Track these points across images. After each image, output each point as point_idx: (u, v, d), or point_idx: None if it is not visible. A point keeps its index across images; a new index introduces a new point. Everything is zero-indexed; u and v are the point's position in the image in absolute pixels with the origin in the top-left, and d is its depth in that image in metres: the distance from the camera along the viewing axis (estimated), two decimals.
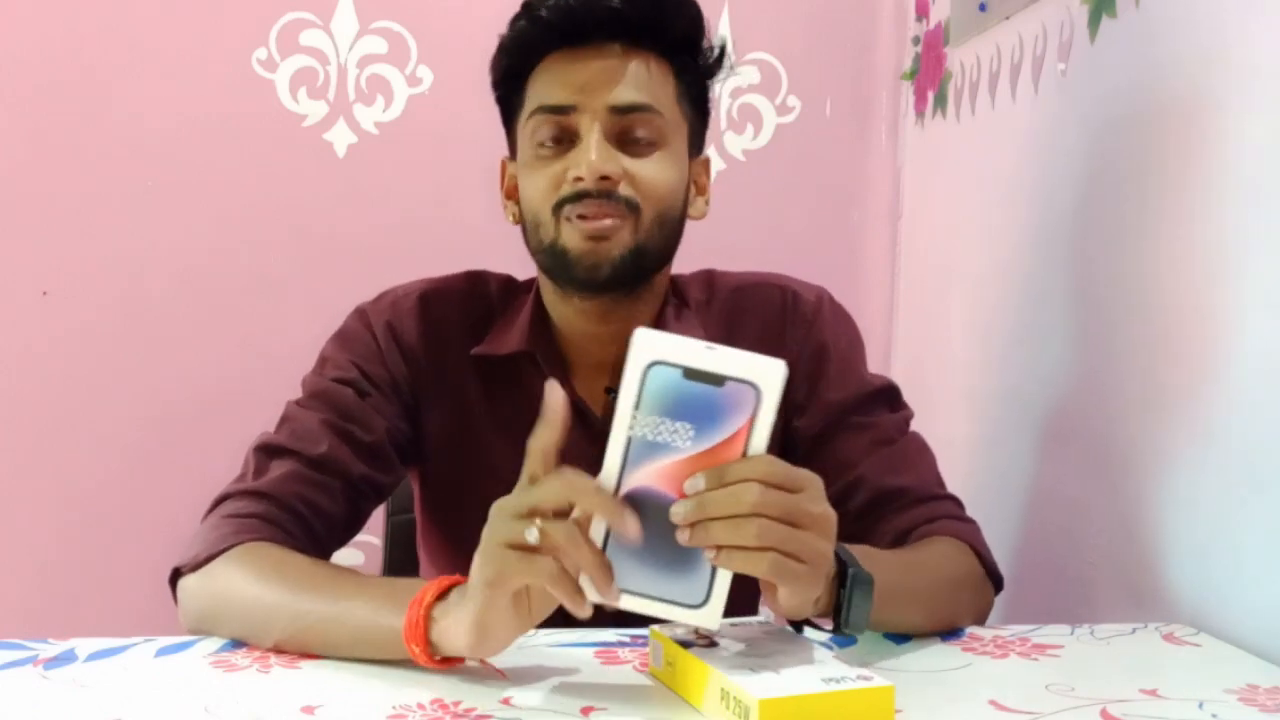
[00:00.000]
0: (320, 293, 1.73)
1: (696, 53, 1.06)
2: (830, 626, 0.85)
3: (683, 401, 0.71)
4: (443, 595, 0.80)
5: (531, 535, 0.72)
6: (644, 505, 0.73)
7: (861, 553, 0.86)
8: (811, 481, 0.75)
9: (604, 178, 0.99)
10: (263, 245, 1.77)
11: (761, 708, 0.70)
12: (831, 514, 0.76)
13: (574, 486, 0.73)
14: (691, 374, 0.71)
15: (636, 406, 0.72)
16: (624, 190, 1.00)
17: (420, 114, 1.79)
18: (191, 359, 1.76)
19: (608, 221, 1.00)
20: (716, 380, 0.71)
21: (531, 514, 0.73)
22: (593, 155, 0.99)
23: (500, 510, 0.75)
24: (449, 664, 0.81)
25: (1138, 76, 1.18)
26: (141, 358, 1.75)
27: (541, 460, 0.75)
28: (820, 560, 0.75)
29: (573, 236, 1.01)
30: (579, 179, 0.99)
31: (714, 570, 0.73)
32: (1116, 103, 1.22)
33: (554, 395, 0.76)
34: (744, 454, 0.72)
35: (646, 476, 0.73)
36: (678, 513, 0.71)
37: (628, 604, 0.74)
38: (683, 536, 0.72)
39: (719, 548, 0.72)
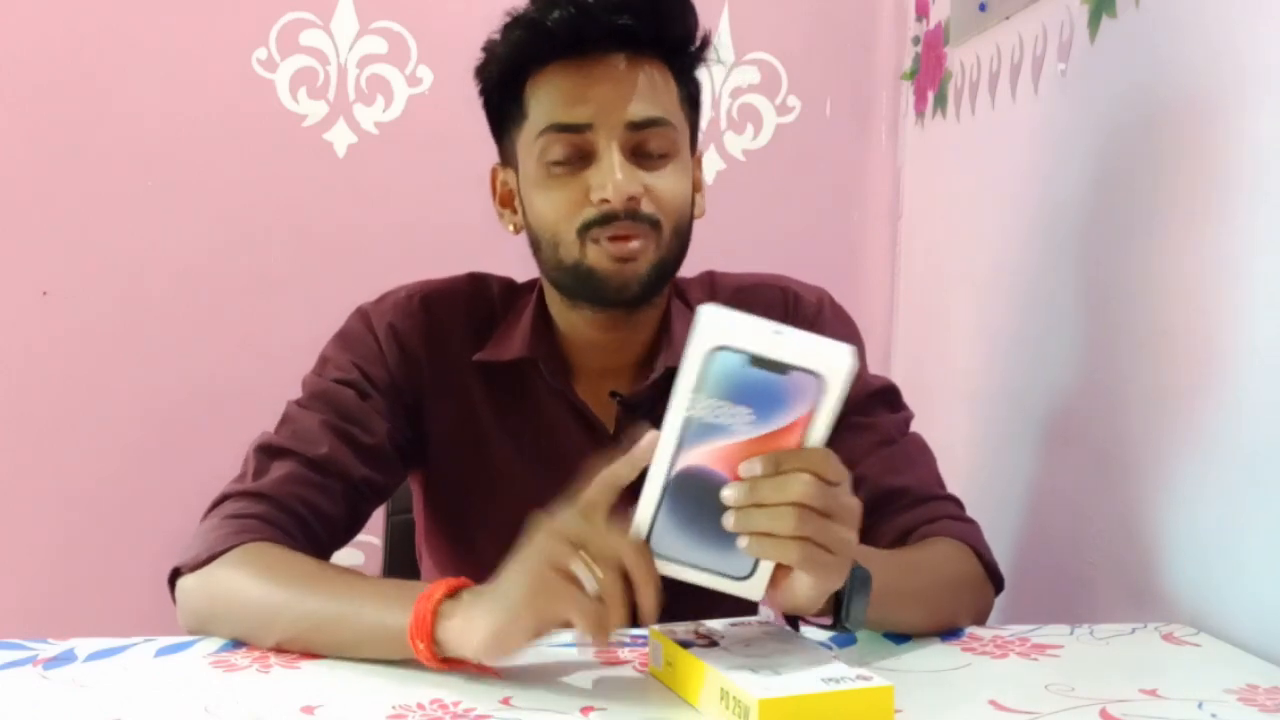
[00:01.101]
0: (320, 293, 1.73)
1: (692, 53, 1.05)
2: (828, 623, 0.85)
3: (745, 386, 0.71)
4: (452, 594, 0.80)
5: (590, 585, 0.73)
6: (697, 483, 0.74)
7: (860, 552, 0.86)
8: (845, 474, 0.76)
9: (631, 199, 0.98)
10: (263, 245, 1.77)
11: (761, 708, 0.70)
12: (857, 505, 0.77)
13: (626, 553, 0.74)
14: (758, 361, 0.70)
15: (697, 389, 0.71)
16: (646, 208, 1.00)
17: (420, 114, 1.79)
18: (191, 359, 1.76)
19: (635, 244, 1.00)
20: (780, 368, 0.70)
21: (584, 548, 0.74)
22: (618, 175, 0.98)
23: (557, 533, 0.75)
24: (451, 665, 0.80)
25: (1138, 76, 1.18)
26: (141, 358, 1.75)
27: (608, 491, 0.76)
28: (847, 551, 0.76)
29: (601, 259, 1.00)
30: (605, 201, 0.98)
31: None
32: (1116, 103, 1.22)
33: (647, 438, 0.75)
34: (801, 442, 0.73)
35: (702, 456, 0.73)
36: (729, 496, 0.72)
37: (676, 573, 0.75)
38: (728, 521, 0.73)
39: (754, 534, 0.73)
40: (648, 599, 0.74)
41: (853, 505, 0.76)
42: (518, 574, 0.76)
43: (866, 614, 0.84)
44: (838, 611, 0.83)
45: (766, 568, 0.75)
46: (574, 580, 0.74)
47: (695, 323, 0.70)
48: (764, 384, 0.70)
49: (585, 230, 1.00)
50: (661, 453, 0.73)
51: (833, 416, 0.72)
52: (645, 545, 0.75)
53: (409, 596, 0.80)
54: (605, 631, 0.74)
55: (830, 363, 0.70)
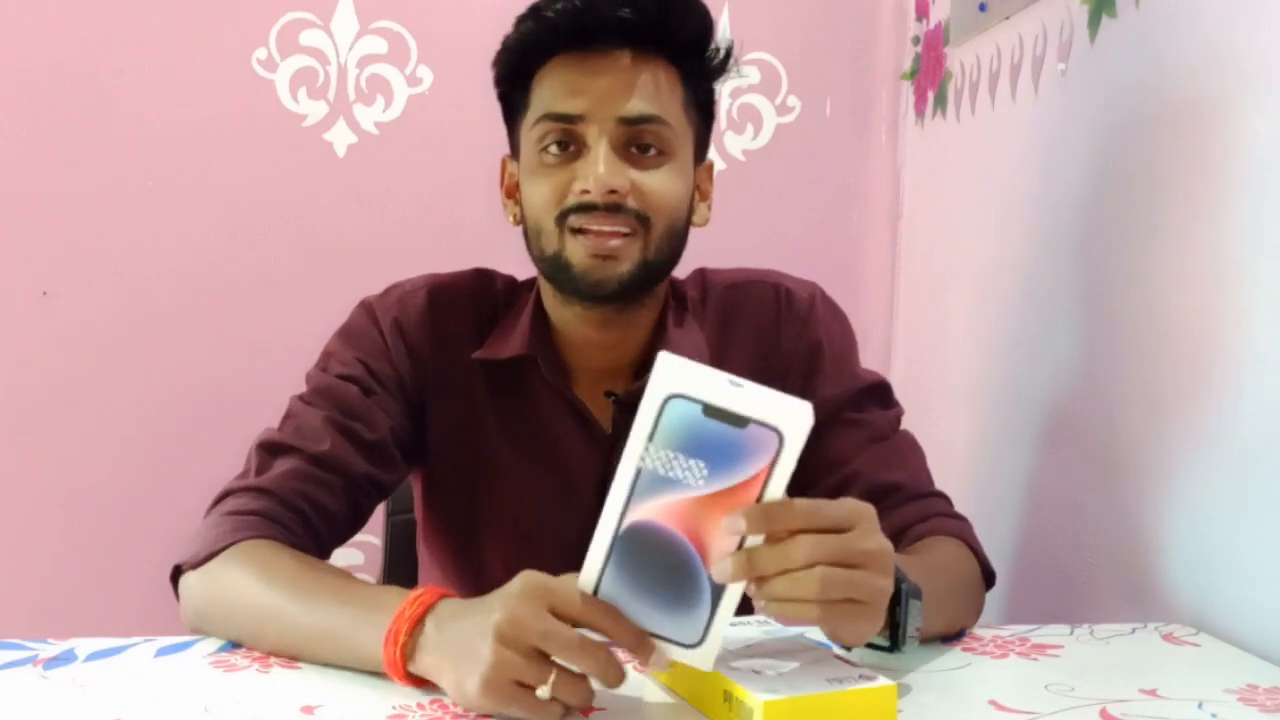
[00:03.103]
0: (320, 292, 1.73)
1: (703, 57, 1.05)
2: (883, 645, 0.85)
3: (699, 439, 0.68)
4: (418, 623, 0.77)
5: (545, 693, 0.71)
6: (646, 540, 0.71)
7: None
8: (860, 516, 0.73)
9: (611, 191, 0.98)
10: (263, 245, 1.77)
11: (766, 709, 0.70)
12: (888, 547, 0.74)
13: (593, 620, 0.72)
14: (712, 411, 0.67)
15: (650, 438, 0.69)
16: (632, 203, 0.99)
17: (420, 114, 1.79)
18: (191, 359, 1.76)
19: (615, 242, 0.99)
20: (738, 421, 0.67)
21: (545, 658, 0.71)
22: (601, 168, 0.97)
23: (512, 638, 0.71)
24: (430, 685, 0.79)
25: (1138, 76, 1.18)
26: (141, 358, 1.75)
27: (582, 608, 0.72)
28: (880, 597, 0.74)
29: (577, 251, 1.00)
30: (585, 191, 0.98)
31: (713, 611, 0.71)
32: (1116, 102, 1.22)
33: (659, 662, 0.73)
34: (759, 499, 0.69)
35: (652, 511, 0.70)
36: (724, 571, 0.70)
37: None
38: (734, 584, 0.70)
39: (774, 600, 0.71)
40: (643, 652, 0.72)
41: (878, 548, 0.73)
42: (476, 685, 0.72)
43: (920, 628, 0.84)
44: (895, 632, 0.83)
45: (717, 637, 0.71)
46: (528, 686, 0.71)
47: (653, 371, 0.68)
48: (719, 437, 0.68)
49: (563, 218, 1.00)
50: (612, 505, 0.71)
51: (789, 473, 0.69)
52: (603, 602, 0.72)
53: (380, 622, 0.78)
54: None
55: (789, 416, 0.67)
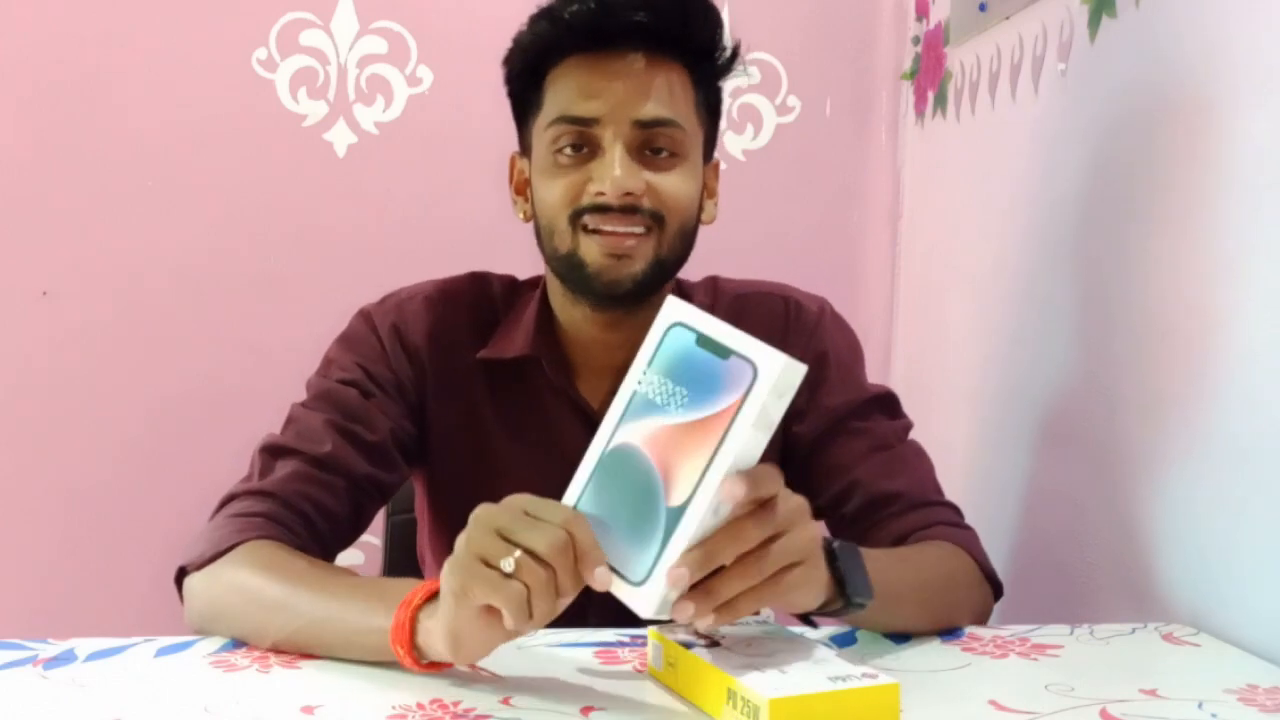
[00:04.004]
0: (320, 293, 1.74)
1: (714, 59, 1.06)
2: (837, 606, 0.85)
3: (687, 367, 0.73)
4: (432, 597, 0.78)
5: (508, 565, 0.71)
6: (624, 463, 0.74)
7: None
8: (765, 478, 0.73)
9: (627, 194, 0.99)
10: (263, 245, 1.77)
11: (771, 707, 0.70)
12: (801, 499, 0.76)
13: (564, 521, 0.72)
14: (703, 341, 0.73)
15: (650, 363, 0.74)
16: (647, 204, 1.00)
17: (420, 114, 1.79)
18: (192, 359, 1.76)
19: (630, 242, 1.00)
20: (722, 351, 0.72)
21: (514, 543, 0.72)
22: (617, 171, 0.99)
23: (483, 522, 0.74)
24: (435, 668, 0.80)
25: (1138, 76, 1.18)
26: (141, 358, 1.75)
27: (551, 510, 0.74)
28: (813, 547, 0.76)
29: (591, 250, 1.01)
30: (601, 194, 0.99)
31: (660, 553, 0.71)
32: (1117, 103, 1.22)
33: (603, 578, 0.73)
34: (726, 432, 0.70)
35: (637, 434, 0.74)
36: (680, 578, 0.70)
37: None
38: (684, 526, 0.71)
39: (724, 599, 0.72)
40: (589, 564, 0.72)
41: (798, 504, 0.75)
42: (446, 568, 0.74)
43: (868, 613, 0.85)
44: (843, 590, 0.83)
45: (660, 580, 0.71)
46: (494, 565, 0.72)
47: (662, 307, 0.75)
48: (704, 365, 0.72)
49: (577, 217, 1.01)
50: (605, 426, 0.75)
51: (759, 415, 0.70)
52: (571, 508, 0.74)
53: (393, 599, 0.79)
54: (527, 614, 0.71)
55: (767, 357, 0.71)
